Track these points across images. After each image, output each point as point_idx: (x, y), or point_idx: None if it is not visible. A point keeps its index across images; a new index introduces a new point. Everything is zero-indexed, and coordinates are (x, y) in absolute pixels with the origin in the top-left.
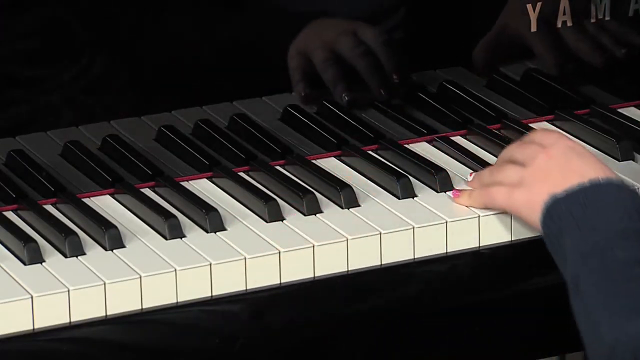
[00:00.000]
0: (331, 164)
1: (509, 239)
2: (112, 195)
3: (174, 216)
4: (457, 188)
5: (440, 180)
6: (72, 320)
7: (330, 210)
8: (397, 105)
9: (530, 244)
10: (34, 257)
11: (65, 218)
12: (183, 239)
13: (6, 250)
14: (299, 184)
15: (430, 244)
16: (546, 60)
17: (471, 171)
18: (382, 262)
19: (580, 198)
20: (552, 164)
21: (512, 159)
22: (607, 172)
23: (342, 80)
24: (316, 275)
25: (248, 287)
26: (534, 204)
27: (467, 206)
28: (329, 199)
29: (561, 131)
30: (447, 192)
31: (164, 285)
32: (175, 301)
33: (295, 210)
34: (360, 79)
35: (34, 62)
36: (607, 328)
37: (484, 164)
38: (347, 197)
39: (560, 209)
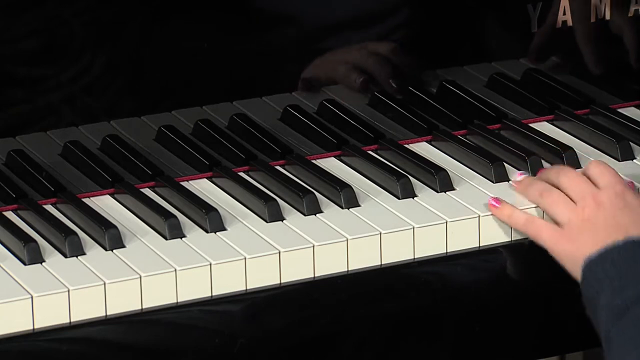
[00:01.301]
0: (331, 164)
1: (509, 239)
2: (112, 195)
3: (174, 216)
4: (497, 199)
5: (440, 180)
6: (72, 320)
7: (330, 210)
8: (397, 105)
9: (530, 244)
10: (34, 257)
11: (65, 218)
12: (183, 239)
13: (6, 250)
14: (299, 184)
15: (430, 244)
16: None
17: (521, 171)
18: (382, 262)
19: (613, 257)
20: (599, 215)
21: (562, 188)
22: None
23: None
24: (316, 275)
25: (248, 287)
26: (577, 259)
27: (501, 220)
28: (329, 199)
29: (611, 169)
30: (447, 192)
31: (164, 285)
32: (175, 301)
33: (295, 210)
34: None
35: (34, 62)
36: None
37: (483, 164)
38: (347, 197)
39: (596, 270)
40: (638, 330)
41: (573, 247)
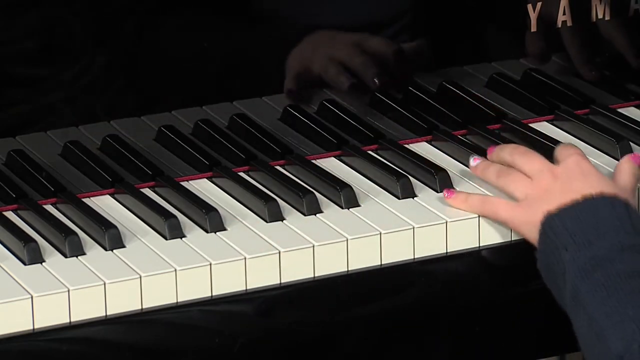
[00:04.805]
0: (331, 164)
1: (509, 239)
2: (112, 195)
3: (174, 216)
4: (451, 189)
5: (440, 180)
6: (72, 320)
7: (330, 210)
8: (397, 105)
9: (530, 244)
10: (34, 257)
11: (65, 218)
12: (183, 239)
13: (6, 250)
14: (299, 184)
15: (430, 244)
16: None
17: (475, 156)
18: (382, 262)
19: (573, 213)
20: (556, 184)
21: (517, 166)
22: (607, 189)
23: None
24: (316, 275)
25: (248, 287)
26: (534, 222)
27: (458, 207)
28: (329, 199)
29: (574, 145)
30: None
31: (164, 285)
32: (175, 301)
33: (295, 210)
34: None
35: (34, 62)
36: (615, 338)
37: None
38: (347, 197)
39: (554, 224)
40: (608, 289)
41: (530, 212)
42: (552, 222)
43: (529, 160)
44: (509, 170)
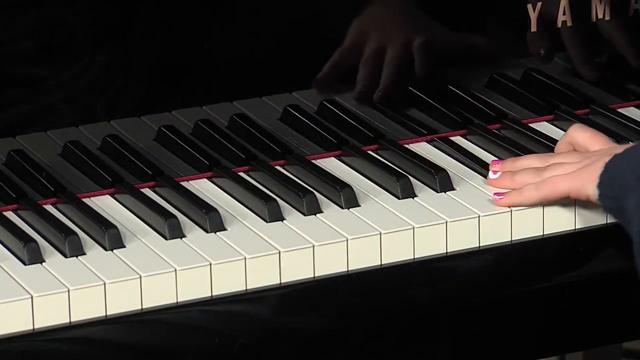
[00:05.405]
0: (331, 164)
1: (509, 239)
2: (112, 195)
3: (174, 216)
4: (498, 192)
5: (440, 180)
6: (72, 320)
7: (330, 210)
8: (397, 105)
9: (531, 244)
10: (34, 257)
11: (65, 218)
12: (183, 239)
13: (6, 250)
14: (299, 184)
15: (430, 244)
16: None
17: (493, 169)
18: (382, 262)
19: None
20: (609, 151)
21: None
22: None
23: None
24: (316, 275)
25: (248, 287)
26: (599, 175)
27: (515, 206)
28: (329, 199)
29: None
30: (447, 192)
31: (164, 285)
32: (175, 301)
33: (295, 210)
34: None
35: (34, 62)
36: None
37: (483, 164)
38: (347, 197)
39: (620, 166)
40: None
41: (593, 169)
42: (619, 164)
43: (566, 155)
44: (546, 166)
